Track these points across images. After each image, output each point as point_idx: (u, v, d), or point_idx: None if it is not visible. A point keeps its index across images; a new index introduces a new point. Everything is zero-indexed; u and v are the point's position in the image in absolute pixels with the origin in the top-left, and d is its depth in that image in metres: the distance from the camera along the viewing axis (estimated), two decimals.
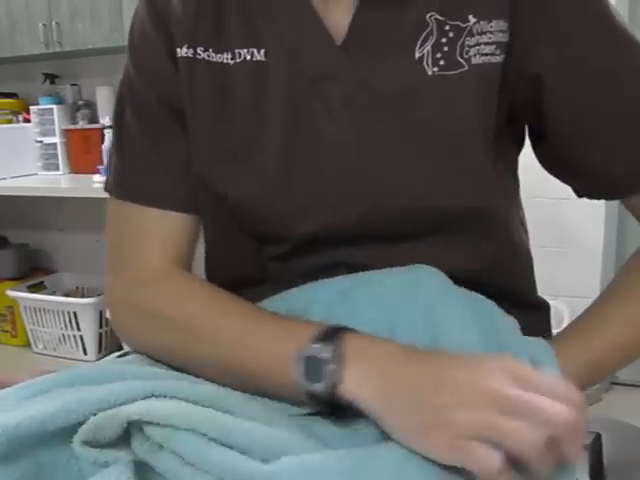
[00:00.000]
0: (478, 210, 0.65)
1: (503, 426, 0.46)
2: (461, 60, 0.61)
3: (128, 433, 0.51)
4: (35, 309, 2.94)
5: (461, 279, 0.65)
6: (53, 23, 2.87)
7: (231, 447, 0.50)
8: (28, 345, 3.05)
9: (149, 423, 0.50)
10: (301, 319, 0.61)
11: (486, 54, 0.61)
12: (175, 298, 0.68)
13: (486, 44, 0.61)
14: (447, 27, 0.61)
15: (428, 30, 0.62)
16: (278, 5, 0.65)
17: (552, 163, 0.68)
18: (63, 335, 2.90)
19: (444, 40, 0.61)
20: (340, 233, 0.66)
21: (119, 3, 2.70)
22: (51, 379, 0.58)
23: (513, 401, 0.46)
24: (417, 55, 0.62)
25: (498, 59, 0.61)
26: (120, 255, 0.74)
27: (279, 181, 0.66)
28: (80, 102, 3.13)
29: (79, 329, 2.84)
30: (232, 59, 0.66)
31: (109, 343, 2.89)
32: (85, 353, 2.87)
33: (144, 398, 0.53)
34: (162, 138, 0.70)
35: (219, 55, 0.66)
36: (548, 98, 0.62)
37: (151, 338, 0.68)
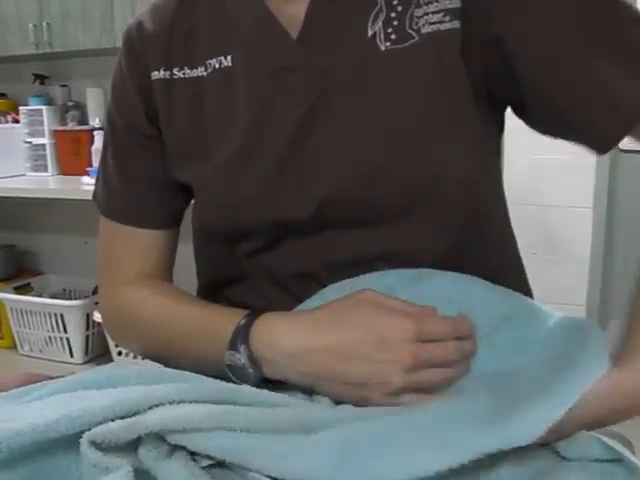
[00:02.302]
0: (443, 182, 0.65)
1: (422, 382, 0.57)
2: (411, 32, 0.63)
3: (134, 444, 0.51)
4: (21, 311, 2.92)
5: (432, 262, 0.66)
6: (44, 24, 2.86)
7: (261, 433, 0.51)
8: (14, 347, 3.02)
9: (172, 430, 0.50)
10: (226, 314, 0.67)
11: (434, 22, 0.63)
12: (139, 303, 0.76)
13: (433, 13, 0.63)
14: (395, 2, 0.64)
15: (378, 8, 0.64)
16: (237, 12, 0.70)
17: (544, 125, 0.67)
18: (49, 337, 2.88)
19: (393, 15, 0.64)
20: (307, 219, 0.67)
21: (110, 5, 2.69)
22: (53, 385, 0.57)
23: (425, 360, 0.57)
24: (370, 33, 0.64)
25: (448, 25, 0.62)
26: (103, 266, 0.81)
27: (240, 165, 0.68)
28: (70, 103, 3.12)
29: (66, 331, 2.83)
30: (205, 71, 0.71)
31: (96, 345, 2.88)
32: (72, 355, 2.86)
33: (151, 407, 0.52)
34: (127, 161, 0.78)
35: (194, 70, 0.71)
36: (515, 56, 0.62)
37: (127, 337, 0.79)
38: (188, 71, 0.72)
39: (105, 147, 0.81)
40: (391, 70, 0.63)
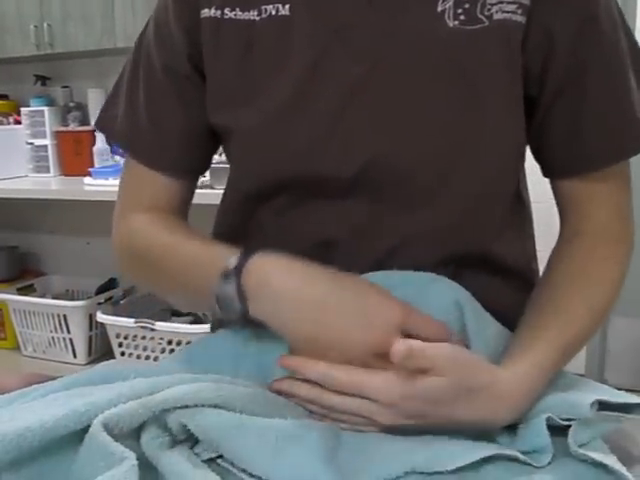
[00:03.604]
0: (486, 161, 0.67)
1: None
2: (481, 17, 0.64)
3: (137, 432, 0.51)
4: (24, 312, 2.92)
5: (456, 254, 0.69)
6: (45, 25, 2.86)
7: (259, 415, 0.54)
8: (17, 348, 3.02)
9: (184, 408, 0.52)
10: (225, 248, 0.66)
11: (507, 11, 0.64)
12: (145, 233, 0.76)
13: (508, 2, 0.64)
14: None
15: None
16: None
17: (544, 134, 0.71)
18: (53, 338, 2.88)
19: None
20: (349, 178, 0.67)
21: (111, 6, 2.69)
22: (47, 387, 0.57)
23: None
24: (439, 9, 0.64)
25: (519, 18, 0.64)
26: (120, 199, 0.81)
27: (292, 114, 0.68)
28: (71, 104, 3.12)
29: (69, 332, 2.83)
30: (258, 15, 0.69)
31: (99, 346, 2.88)
32: (75, 356, 2.86)
33: None
34: (160, 103, 0.75)
35: (245, 13, 0.70)
36: (551, 65, 0.66)
37: (132, 269, 0.78)
38: (240, 13, 0.70)
39: (133, 82, 0.78)
40: (456, 46, 0.64)
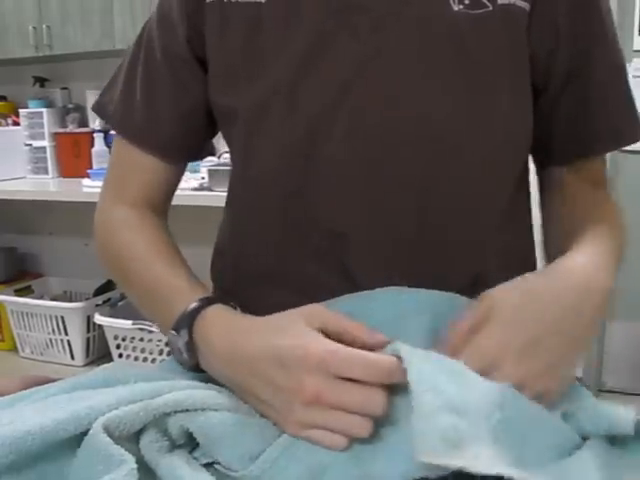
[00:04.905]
0: (494, 144, 0.67)
1: (324, 424, 0.52)
2: (485, 1, 0.64)
3: (136, 436, 0.51)
4: (22, 313, 2.92)
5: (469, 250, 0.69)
6: (44, 26, 2.86)
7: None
8: (15, 349, 3.02)
9: (184, 412, 0.52)
10: (184, 290, 0.67)
11: None
12: (122, 227, 0.77)
13: None
14: None
15: None
16: None
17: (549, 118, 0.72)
18: (50, 339, 2.88)
19: None
20: (348, 165, 0.67)
21: (110, 7, 2.69)
22: (46, 390, 0.57)
23: (329, 401, 0.51)
24: None
25: (523, 4, 0.65)
26: (107, 183, 0.82)
27: (294, 95, 0.67)
28: (70, 106, 3.12)
29: (66, 333, 2.82)
30: None
31: (96, 348, 2.88)
32: (72, 358, 2.86)
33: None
34: (157, 86, 0.76)
35: None
36: (557, 54, 0.68)
37: (103, 258, 0.80)
38: None
39: (133, 64, 0.78)
40: (461, 29, 0.65)
